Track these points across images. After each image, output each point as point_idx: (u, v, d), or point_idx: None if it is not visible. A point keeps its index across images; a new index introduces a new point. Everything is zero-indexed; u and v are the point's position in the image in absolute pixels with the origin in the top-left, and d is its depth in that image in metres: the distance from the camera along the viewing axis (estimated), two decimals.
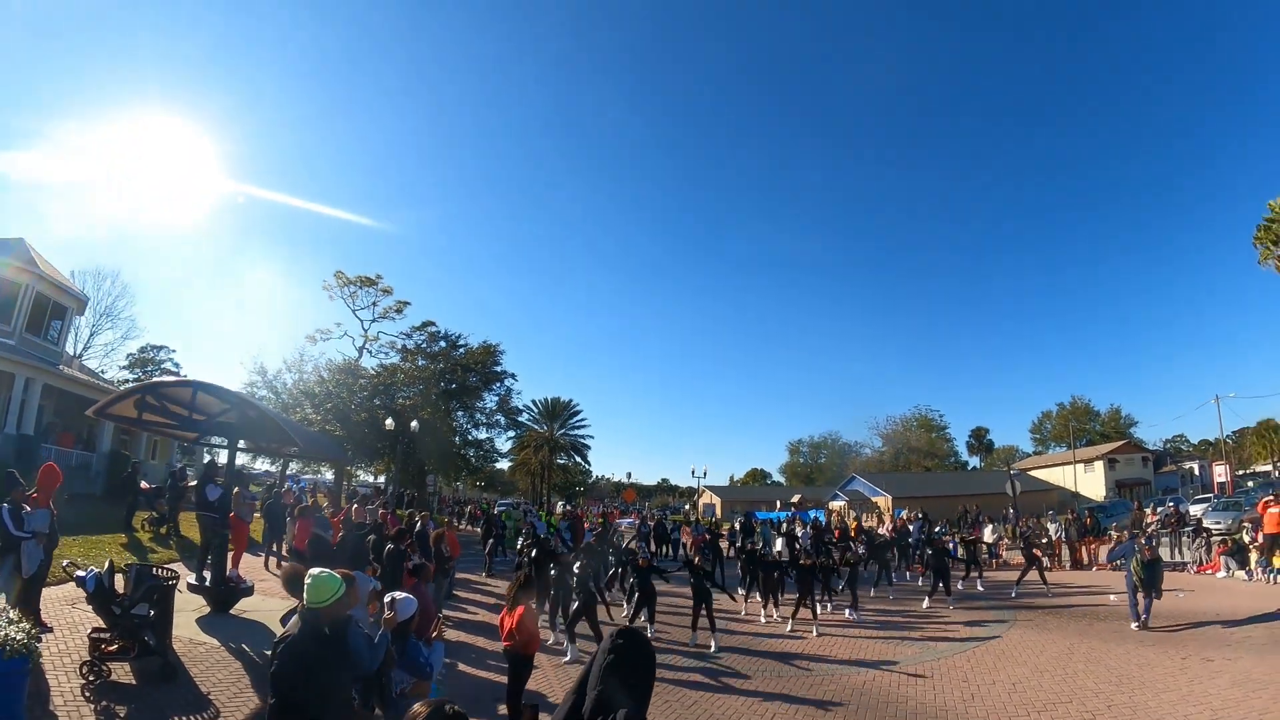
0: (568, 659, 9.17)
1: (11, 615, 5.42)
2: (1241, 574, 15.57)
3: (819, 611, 12.71)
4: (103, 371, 38.44)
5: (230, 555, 10.36)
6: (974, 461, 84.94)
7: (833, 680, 8.75)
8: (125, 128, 66.35)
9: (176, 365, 56.53)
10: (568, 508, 31.19)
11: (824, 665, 9.58)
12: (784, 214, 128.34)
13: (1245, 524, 17.68)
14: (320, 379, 35.54)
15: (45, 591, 8.04)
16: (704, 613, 10.49)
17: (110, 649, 6.59)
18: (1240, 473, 53.76)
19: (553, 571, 10.70)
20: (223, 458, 13.22)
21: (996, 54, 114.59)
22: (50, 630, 7.49)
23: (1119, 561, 12.46)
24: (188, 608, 9.20)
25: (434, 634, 5.17)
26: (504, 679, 7.47)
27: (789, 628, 11.88)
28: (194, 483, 24.11)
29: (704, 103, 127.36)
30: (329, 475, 47.87)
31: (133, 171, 62.15)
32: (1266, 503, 16.10)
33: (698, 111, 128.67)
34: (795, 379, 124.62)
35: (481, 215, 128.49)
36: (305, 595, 3.82)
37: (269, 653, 4.07)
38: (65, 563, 7.74)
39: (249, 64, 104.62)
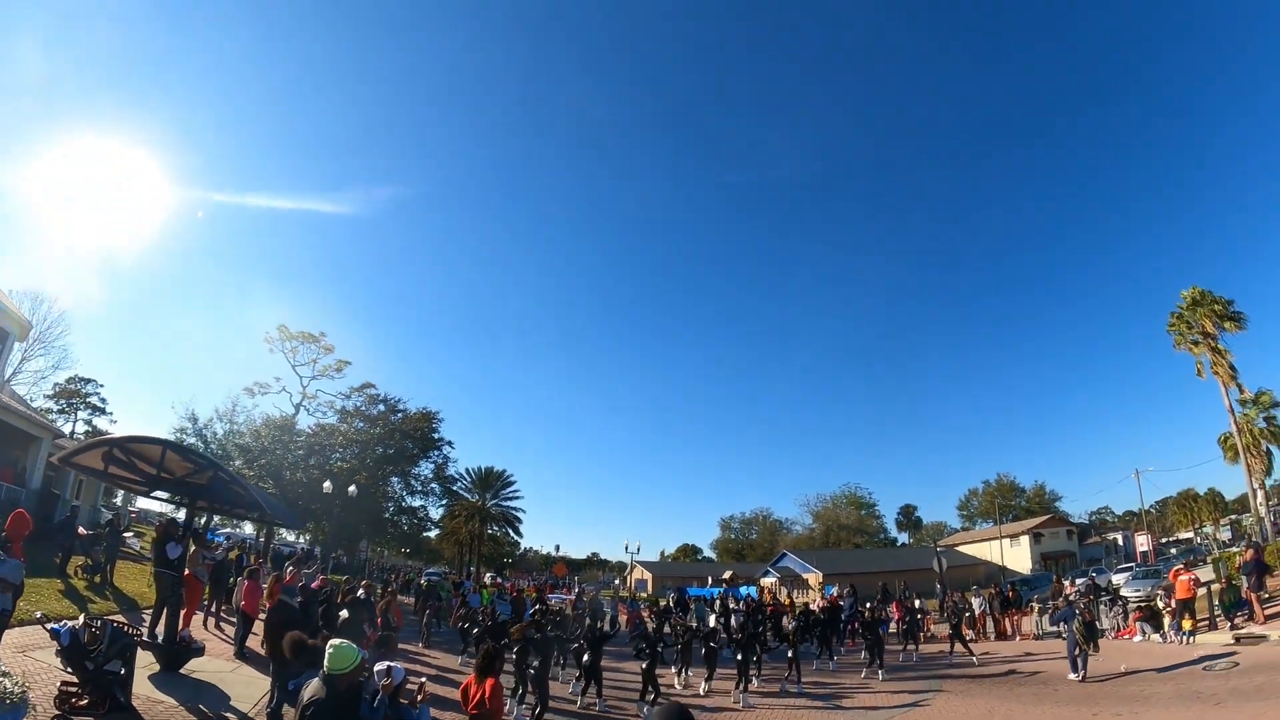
0: None
1: (3, 666, 5.47)
2: (1156, 637, 16.59)
3: (755, 684, 13.18)
4: (31, 399, 36.37)
5: (182, 614, 10.24)
6: (903, 538, 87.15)
7: None
8: (69, 147, 64.48)
9: (104, 400, 54.28)
10: (497, 580, 30.85)
11: None
12: (718, 289, 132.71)
13: (1160, 591, 18.98)
14: (255, 433, 34.58)
15: None
16: (651, 686, 10.97)
17: (80, 704, 6.57)
18: (1164, 540, 56.66)
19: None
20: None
21: (918, 148, 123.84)
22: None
23: (1061, 625, 13.85)
24: (138, 664, 9.06)
25: (420, 697, 5.50)
26: None
27: (732, 699, 12.25)
28: (130, 533, 23.09)
29: (647, 184, 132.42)
30: (248, 529, 45.86)
31: (76, 194, 60.59)
32: (1177, 571, 17.59)
33: (638, 189, 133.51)
34: (727, 455, 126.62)
35: (420, 282, 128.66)
36: (327, 663, 4.32)
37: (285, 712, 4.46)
38: (38, 614, 7.65)
39: (195, 81, 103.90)
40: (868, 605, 21.12)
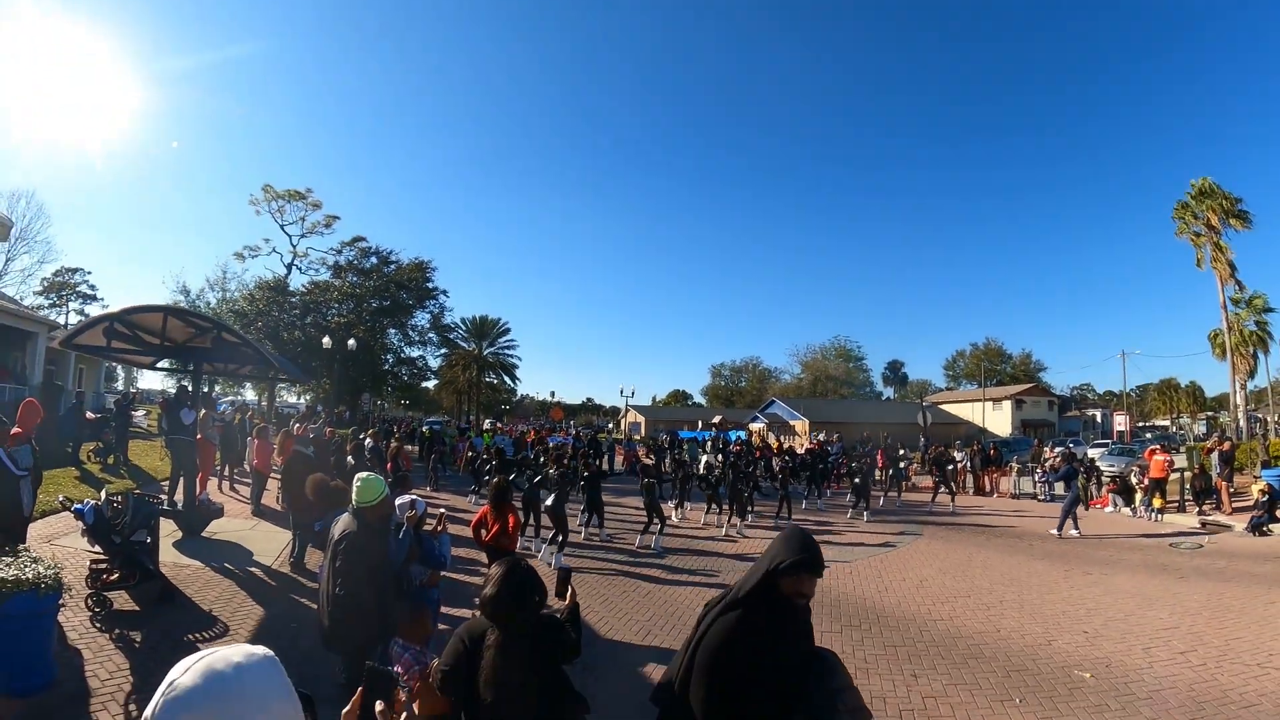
0: (539, 556, 10.02)
1: (34, 553, 5.61)
2: (1127, 510, 17.67)
3: (749, 519, 14.00)
4: (21, 298, 36.00)
5: (198, 478, 10.54)
6: (888, 392, 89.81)
7: None
8: (25, 33, 59.33)
9: (93, 288, 54.10)
10: (498, 425, 32.15)
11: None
12: (721, 132, 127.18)
13: (1135, 468, 19.91)
14: (249, 297, 34.41)
15: None
16: (655, 520, 11.61)
17: (111, 578, 6.72)
18: (1141, 425, 58.67)
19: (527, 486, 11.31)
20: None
21: (944, 39, 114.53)
22: None
23: (1064, 483, 14.97)
24: (161, 533, 9.43)
25: (438, 528, 5.59)
26: (474, 579, 8.14)
27: (724, 532, 13.17)
28: (140, 412, 23.52)
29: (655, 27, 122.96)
30: (250, 395, 47.03)
31: (41, 81, 57.00)
32: (1152, 450, 18.36)
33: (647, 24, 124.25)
34: (719, 301, 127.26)
35: (411, 122, 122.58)
36: (356, 496, 4.42)
37: (325, 551, 4.58)
38: (61, 498, 7.82)
39: None
40: (854, 449, 22.12)
